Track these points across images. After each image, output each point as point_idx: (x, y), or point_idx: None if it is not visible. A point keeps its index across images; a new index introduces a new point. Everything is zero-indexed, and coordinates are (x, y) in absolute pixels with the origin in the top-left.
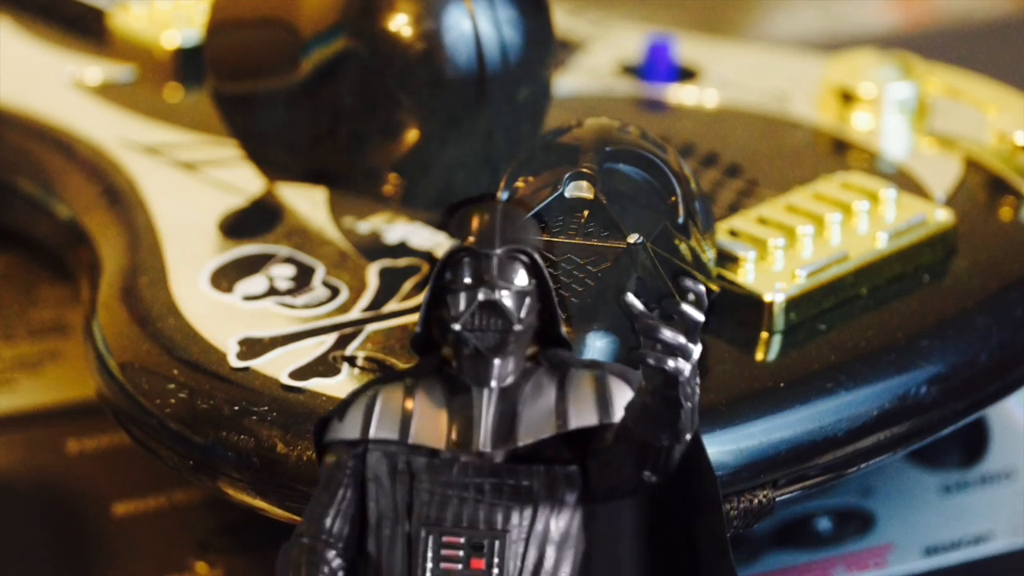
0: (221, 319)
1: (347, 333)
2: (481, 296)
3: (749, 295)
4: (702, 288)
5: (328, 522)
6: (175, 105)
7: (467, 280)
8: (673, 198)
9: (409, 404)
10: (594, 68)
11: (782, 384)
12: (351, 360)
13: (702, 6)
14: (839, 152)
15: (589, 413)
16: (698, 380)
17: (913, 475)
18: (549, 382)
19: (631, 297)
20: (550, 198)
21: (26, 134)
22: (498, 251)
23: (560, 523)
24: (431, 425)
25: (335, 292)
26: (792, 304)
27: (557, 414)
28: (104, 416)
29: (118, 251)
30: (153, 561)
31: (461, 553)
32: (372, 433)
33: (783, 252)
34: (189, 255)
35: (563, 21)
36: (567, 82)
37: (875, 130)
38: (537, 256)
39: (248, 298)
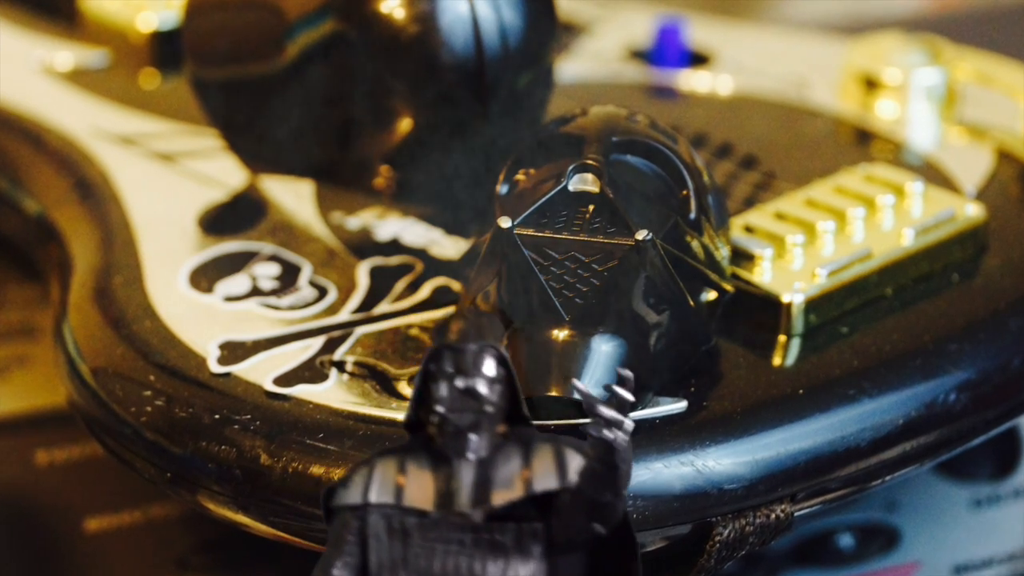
0: (201, 321)
1: (336, 336)
2: (459, 383)
3: (766, 295)
4: (631, 374)
5: (336, 573)
6: (151, 92)
7: (448, 370)
8: (684, 192)
9: (402, 473)
10: (600, 53)
11: (801, 391)
12: (340, 365)
13: None
14: (862, 142)
15: (550, 478)
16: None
17: (941, 488)
18: (517, 454)
19: (577, 383)
20: (553, 192)
21: None
22: (472, 346)
23: (527, 571)
24: (420, 491)
25: (323, 292)
26: (812, 305)
27: (524, 479)
28: (75, 425)
29: (90, 249)
30: None
31: None
32: (371, 498)
33: (802, 250)
34: (166, 253)
35: (567, 2)
36: (571, 68)
37: (901, 119)
38: (503, 350)
39: (230, 299)
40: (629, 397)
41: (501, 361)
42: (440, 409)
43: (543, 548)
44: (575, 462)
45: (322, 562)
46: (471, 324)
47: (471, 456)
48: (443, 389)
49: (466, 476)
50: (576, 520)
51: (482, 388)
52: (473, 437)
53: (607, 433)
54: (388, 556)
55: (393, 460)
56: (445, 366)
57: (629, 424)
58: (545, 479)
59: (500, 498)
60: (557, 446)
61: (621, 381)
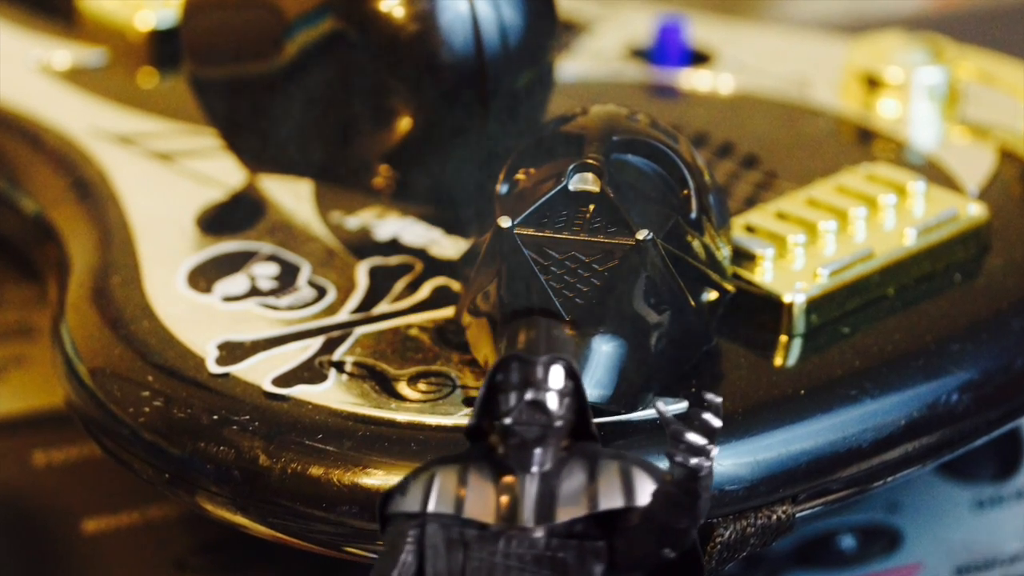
0: (199, 321)
1: (335, 336)
2: (528, 396)
3: (767, 296)
4: (719, 400)
5: None
6: (149, 91)
7: (516, 381)
8: (685, 191)
9: (462, 483)
10: (601, 51)
11: (802, 391)
12: (339, 366)
13: None
14: (864, 142)
15: (616, 496)
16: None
17: (943, 489)
18: (581, 469)
19: (661, 404)
20: (553, 191)
21: None
22: (543, 358)
23: None
24: (482, 502)
25: (322, 292)
26: (813, 305)
27: (588, 496)
28: (73, 426)
29: (88, 248)
30: None
31: None
32: (431, 507)
33: (804, 249)
34: (165, 253)
35: (567, 1)
36: (572, 67)
37: (902, 118)
38: (574, 363)
39: (228, 299)
40: (717, 423)
41: (571, 374)
42: (507, 421)
43: (604, 568)
44: (644, 482)
45: (377, 568)
46: (542, 334)
47: (535, 470)
48: (511, 400)
49: (530, 490)
50: (645, 543)
51: (552, 402)
52: (538, 450)
53: (692, 460)
54: (446, 567)
55: (454, 470)
56: (513, 377)
57: (715, 451)
58: (611, 497)
59: (564, 514)
60: (624, 463)
61: (708, 406)
